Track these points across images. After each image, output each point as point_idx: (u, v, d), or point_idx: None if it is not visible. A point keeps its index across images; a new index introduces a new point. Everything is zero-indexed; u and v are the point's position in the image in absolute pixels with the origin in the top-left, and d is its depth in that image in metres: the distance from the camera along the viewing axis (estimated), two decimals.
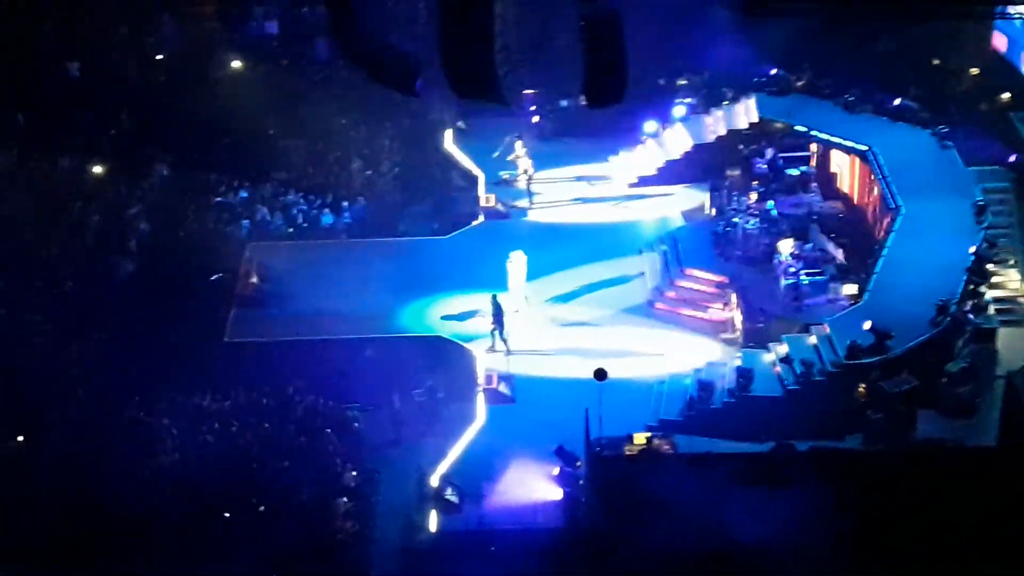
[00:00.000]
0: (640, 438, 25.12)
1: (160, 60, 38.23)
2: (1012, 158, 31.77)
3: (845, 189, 33.39)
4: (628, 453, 24.77)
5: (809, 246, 30.29)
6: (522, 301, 29.97)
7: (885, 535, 22.91)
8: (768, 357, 27.08)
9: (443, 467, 25.63)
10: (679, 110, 35.76)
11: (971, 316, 26.99)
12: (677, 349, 28.79)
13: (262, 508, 24.47)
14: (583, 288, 30.96)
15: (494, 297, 28.90)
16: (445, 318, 30.08)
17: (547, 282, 31.10)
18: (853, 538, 22.83)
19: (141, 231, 32.98)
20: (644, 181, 35.02)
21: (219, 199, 34.30)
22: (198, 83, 37.23)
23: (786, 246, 29.89)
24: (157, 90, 36.98)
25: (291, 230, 33.93)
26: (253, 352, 29.15)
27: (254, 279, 31.46)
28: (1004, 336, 27.56)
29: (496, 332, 28.74)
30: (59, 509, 24.32)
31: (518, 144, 34.94)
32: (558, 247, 32.57)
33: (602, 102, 16.19)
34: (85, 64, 37.16)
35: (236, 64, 37.99)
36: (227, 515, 24.31)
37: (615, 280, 31.31)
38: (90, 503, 24.48)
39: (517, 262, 30.04)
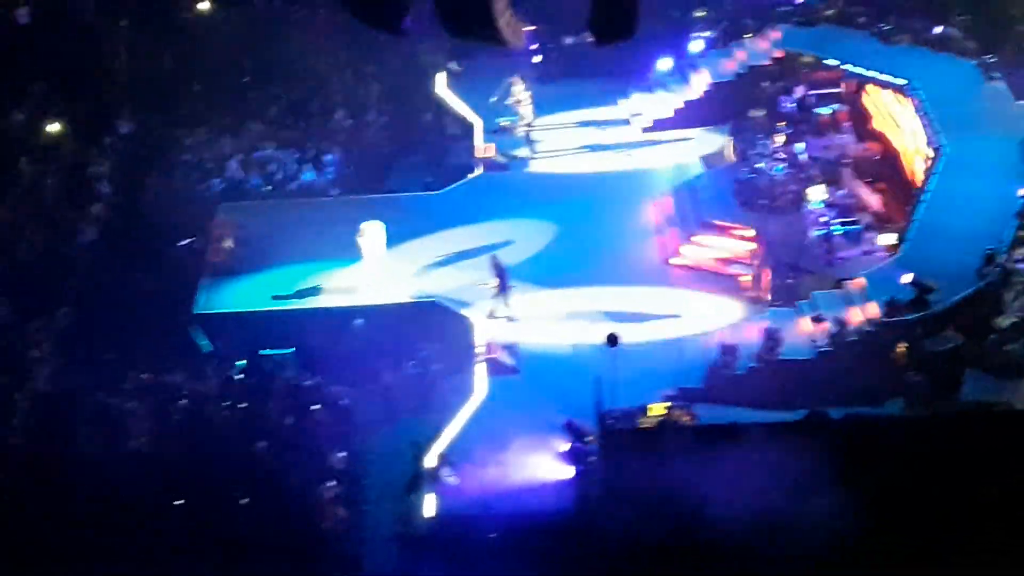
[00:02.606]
0: (657, 409, 25.20)
1: (118, 1, 38.13)
2: None
3: (881, 128, 33.37)
4: (644, 426, 24.88)
5: (842, 192, 30.32)
6: (376, 276, 29.97)
7: (930, 509, 23.04)
8: (799, 316, 27.16)
9: (440, 445, 25.74)
10: (696, 45, 35.71)
11: (1022, 266, 27.03)
12: (697, 310, 28.86)
13: (244, 500, 24.63)
14: (590, 244, 30.97)
15: (495, 257, 28.96)
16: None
17: (551, 238, 31.14)
18: (895, 513, 22.98)
19: (102, 193, 33.03)
20: (659, 125, 35.02)
21: (187, 155, 34.30)
22: (161, 26, 37.18)
23: (817, 193, 29.92)
24: (116, 35, 36.94)
25: (268, 188, 33.96)
26: (228, 323, 29.25)
27: (227, 243, 31.51)
28: None
29: (499, 296, 28.80)
30: (20, 498, 24.57)
31: (518, 87, 34.90)
32: (563, 200, 32.60)
33: (610, 38, 16.18)
34: (34, 8, 37.08)
35: (203, 3, 37.92)
36: (200, 504, 24.49)
37: (627, 235, 31.33)
38: (54, 492, 24.67)
39: (372, 234, 30.03)
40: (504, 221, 31.92)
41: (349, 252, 30.65)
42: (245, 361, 28.19)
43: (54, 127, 34.45)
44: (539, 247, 30.95)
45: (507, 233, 31.39)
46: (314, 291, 30.05)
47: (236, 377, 27.78)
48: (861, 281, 27.22)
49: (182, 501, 24.51)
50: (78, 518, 24.21)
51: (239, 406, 26.78)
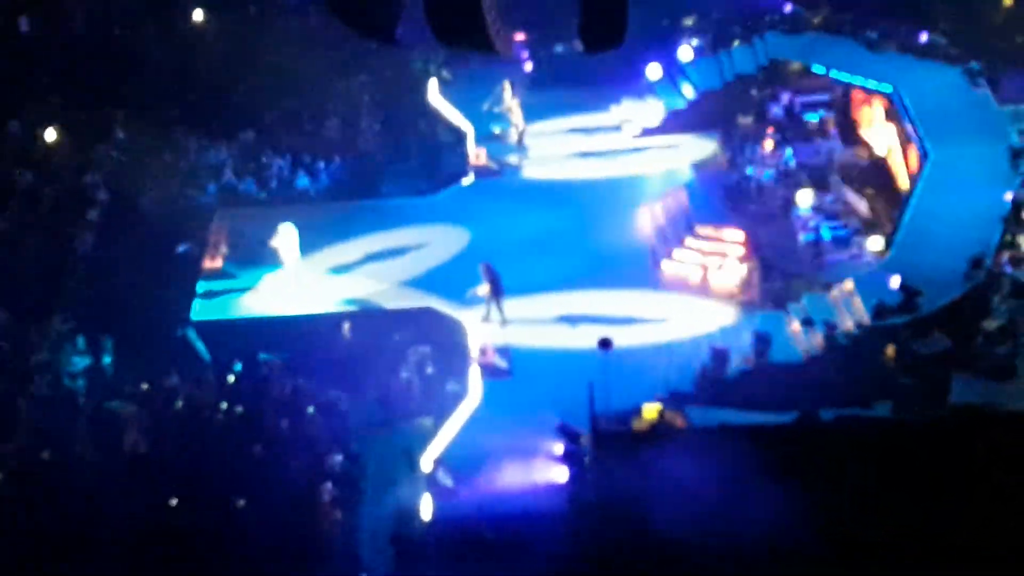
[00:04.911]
0: (650, 411, 25.26)
1: (114, 9, 38.10)
2: None
3: (868, 134, 33.48)
4: (637, 428, 24.92)
5: (830, 198, 30.40)
6: (297, 275, 30.18)
7: (919, 510, 23.12)
8: (788, 320, 27.22)
9: (435, 449, 25.78)
10: (685, 53, 35.81)
11: (1008, 269, 27.11)
12: (688, 314, 28.93)
13: (241, 502, 24.65)
14: (582, 249, 30.99)
15: (488, 265, 28.97)
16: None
17: (543, 243, 31.19)
18: (885, 514, 23.06)
19: (99, 200, 33.02)
20: (648, 132, 35.08)
21: (182, 162, 34.30)
22: (157, 35, 37.16)
23: (805, 198, 29.98)
24: (112, 43, 36.92)
25: (263, 194, 33.99)
26: (224, 330, 29.26)
27: (224, 249, 31.50)
28: None
29: (492, 301, 28.83)
30: (21, 501, 24.69)
31: (509, 94, 34.94)
32: (555, 206, 32.66)
33: (599, 47, 16.23)
34: (32, 16, 37.03)
35: (198, 13, 37.92)
36: (197, 507, 24.52)
37: (619, 240, 31.38)
38: (52, 498, 24.70)
39: (286, 236, 30.06)
40: (495, 226, 31.95)
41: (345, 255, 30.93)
42: (240, 365, 28.19)
43: (51, 135, 34.39)
44: (531, 252, 30.95)
45: (498, 238, 31.42)
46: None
47: (231, 381, 27.77)
48: (849, 285, 27.26)
49: (176, 501, 24.52)
50: (77, 521, 24.23)
51: (235, 410, 26.78)
